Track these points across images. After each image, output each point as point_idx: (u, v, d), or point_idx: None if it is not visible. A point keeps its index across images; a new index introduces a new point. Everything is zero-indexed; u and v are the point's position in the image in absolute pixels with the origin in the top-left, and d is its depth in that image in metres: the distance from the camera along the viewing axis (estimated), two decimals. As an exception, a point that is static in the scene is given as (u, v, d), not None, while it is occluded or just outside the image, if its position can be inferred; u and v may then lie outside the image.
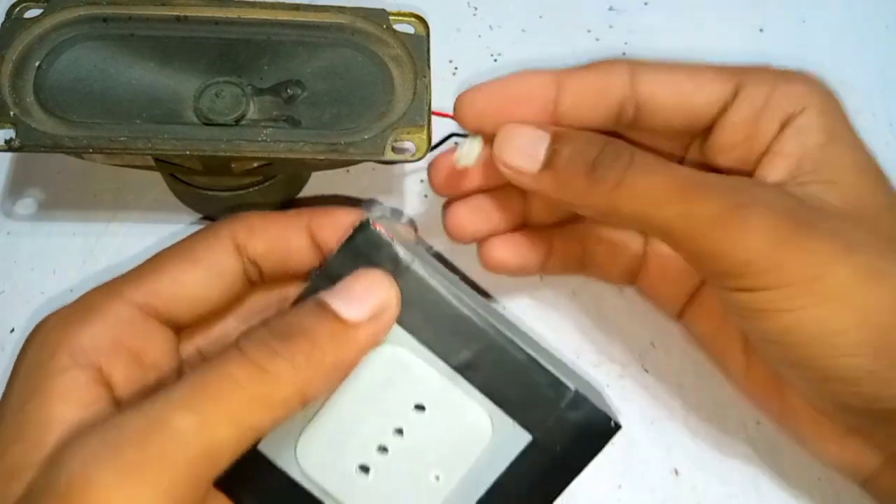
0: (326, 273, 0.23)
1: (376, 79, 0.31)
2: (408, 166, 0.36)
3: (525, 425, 0.24)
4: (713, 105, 0.27)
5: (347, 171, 0.36)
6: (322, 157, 0.29)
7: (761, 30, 0.42)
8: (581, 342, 0.34)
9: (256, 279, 0.26)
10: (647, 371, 0.34)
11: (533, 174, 0.26)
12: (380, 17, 0.32)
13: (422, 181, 0.37)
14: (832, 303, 0.23)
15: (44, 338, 0.23)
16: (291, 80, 0.31)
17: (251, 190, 0.32)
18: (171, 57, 0.30)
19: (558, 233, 0.31)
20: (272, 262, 0.26)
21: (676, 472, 0.32)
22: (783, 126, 0.26)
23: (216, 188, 0.32)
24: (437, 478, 0.25)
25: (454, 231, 0.30)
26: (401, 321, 0.24)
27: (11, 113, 0.28)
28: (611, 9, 0.41)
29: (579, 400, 0.24)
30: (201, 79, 0.30)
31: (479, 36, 0.41)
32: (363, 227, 0.24)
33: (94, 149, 0.28)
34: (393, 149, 0.29)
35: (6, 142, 0.27)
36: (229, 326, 0.27)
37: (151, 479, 0.19)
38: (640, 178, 0.24)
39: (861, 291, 0.24)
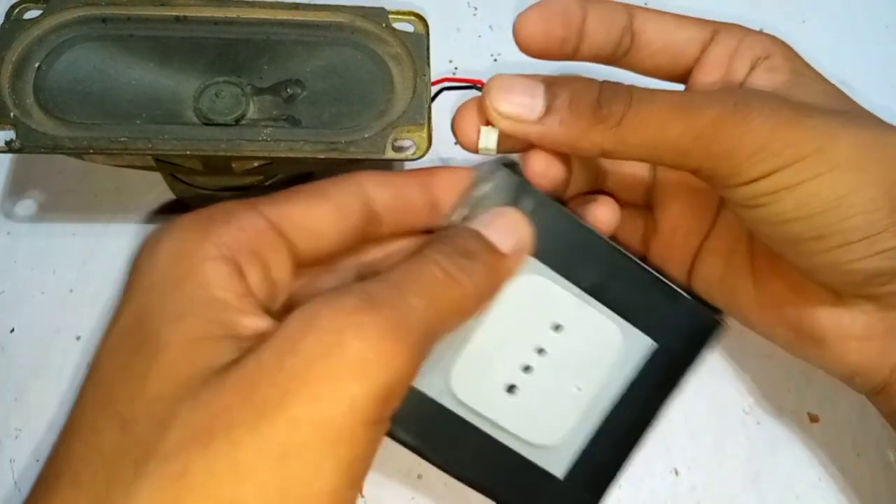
0: (473, 206, 0.27)
1: (376, 77, 0.31)
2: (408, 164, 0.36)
3: (649, 333, 0.28)
4: (693, 43, 0.30)
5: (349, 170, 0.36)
6: (322, 157, 0.28)
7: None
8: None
9: (374, 229, 0.27)
10: (647, 371, 0.34)
11: (534, 121, 0.27)
12: (379, 15, 0.32)
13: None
14: (842, 166, 0.25)
15: (183, 235, 0.24)
16: (291, 80, 0.31)
17: (252, 189, 0.32)
18: (170, 57, 0.30)
19: None
20: (393, 213, 0.27)
21: (676, 472, 0.32)
22: (753, 67, 0.29)
23: (217, 188, 0.32)
24: (579, 388, 0.28)
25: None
26: (535, 251, 0.27)
27: (12, 114, 0.28)
28: (611, 9, 0.41)
29: (693, 306, 0.29)
30: (201, 79, 0.30)
31: (479, 36, 0.41)
32: (500, 168, 0.27)
33: (95, 149, 0.28)
34: (393, 147, 0.29)
35: (7, 143, 0.27)
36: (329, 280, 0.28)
37: (404, 338, 0.21)
38: (642, 108, 0.26)
39: (867, 153, 0.25)
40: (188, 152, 0.28)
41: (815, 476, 0.32)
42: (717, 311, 0.28)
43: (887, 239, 0.25)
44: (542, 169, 0.29)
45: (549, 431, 0.27)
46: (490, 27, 0.41)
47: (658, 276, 0.28)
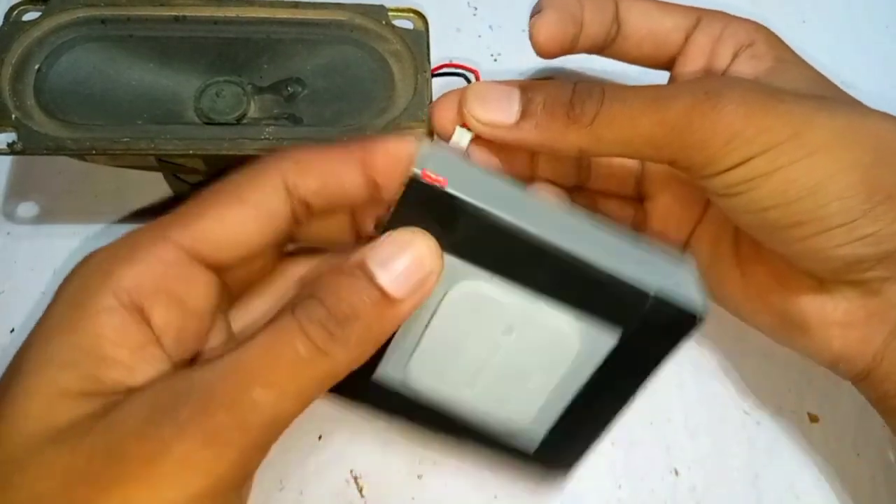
0: (387, 230, 0.24)
1: (376, 75, 0.31)
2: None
3: (609, 329, 0.25)
4: (677, 31, 0.30)
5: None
6: None
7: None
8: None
9: (304, 218, 0.25)
10: (647, 371, 0.34)
11: (510, 125, 0.27)
12: (378, 13, 0.32)
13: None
14: (818, 153, 0.25)
15: (87, 275, 0.23)
16: (291, 78, 0.31)
17: None
18: (170, 57, 0.30)
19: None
20: (324, 199, 0.25)
21: (676, 472, 0.32)
22: (736, 55, 0.30)
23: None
24: (536, 385, 0.27)
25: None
26: (474, 258, 0.24)
27: (13, 116, 0.28)
28: (611, 9, 0.41)
29: (660, 302, 0.24)
30: (201, 78, 0.30)
31: (479, 36, 0.41)
32: (412, 181, 0.23)
33: (97, 150, 0.28)
34: None
35: (8, 145, 0.27)
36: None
37: (236, 441, 0.21)
38: (615, 105, 0.26)
39: (841, 138, 0.25)
40: (191, 152, 0.28)
41: (815, 476, 0.32)
42: (692, 310, 0.24)
43: (865, 225, 0.25)
44: (484, 160, 0.29)
45: (514, 420, 0.28)
46: (490, 27, 0.41)
47: (619, 274, 0.24)
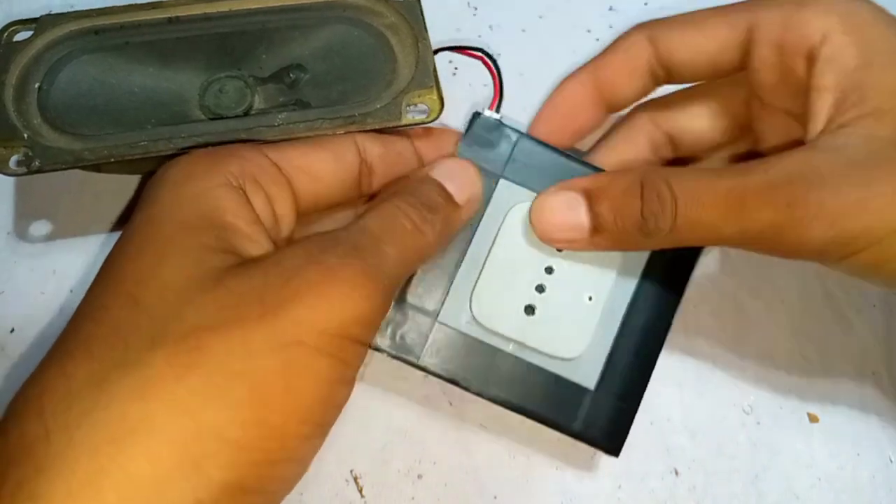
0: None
1: (375, 50, 0.31)
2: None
3: None
4: (730, 51, 0.27)
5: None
6: (342, 131, 0.28)
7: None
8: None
9: (367, 180, 0.29)
10: (647, 371, 0.34)
11: (586, 241, 0.27)
12: None
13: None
14: None
15: (193, 163, 0.26)
16: (292, 65, 0.31)
17: None
18: (168, 59, 0.30)
19: None
20: (385, 164, 0.29)
21: (676, 472, 0.32)
22: (811, 60, 0.25)
23: None
24: (591, 298, 0.30)
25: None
26: (526, 181, 0.30)
27: (25, 135, 0.27)
28: (611, 9, 0.41)
29: None
30: (202, 76, 0.30)
31: (479, 36, 0.41)
32: (477, 115, 0.31)
33: (115, 157, 0.27)
34: (407, 113, 0.29)
35: (26, 165, 0.27)
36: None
37: (381, 281, 0.24)
38: (691, 213, 0.24)
39: None
40: (213, 141, 0.28)
41: (815, 476, 0.32)
42: None
43: None
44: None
45: (572, 343, 0.30)
46: (490, 27, 0.41)
47: None
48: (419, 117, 0.29)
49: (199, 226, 0.24)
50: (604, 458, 0.32)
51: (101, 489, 0.20)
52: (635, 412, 0.29)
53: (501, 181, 0.31)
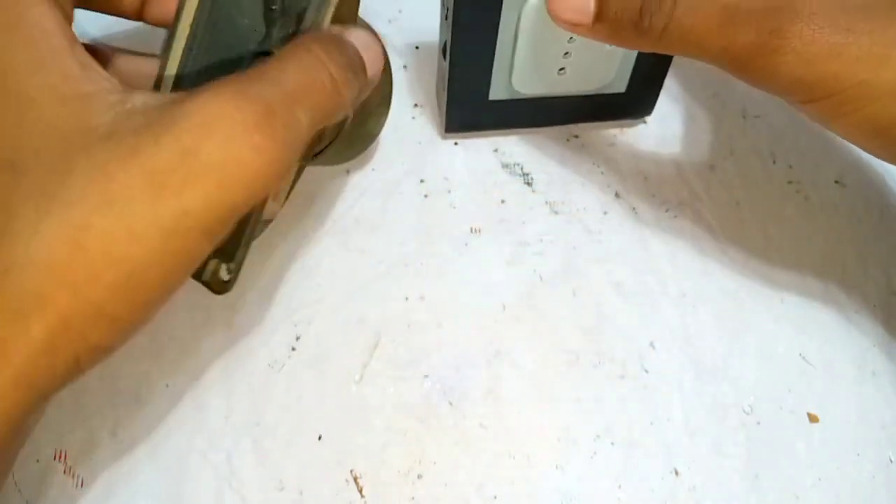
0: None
1: None
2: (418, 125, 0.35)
3: None
4: None
5: (377, 142, 0.36)
6: None
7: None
8: (581, 342, 0.34)
9: None
10: (646, 371, 0.34)
11: (587, 25, 0.29)
12: None
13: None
14: (885, 97, 0.25)
15: None
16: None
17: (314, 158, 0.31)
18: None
19: None
20: None
21: (676, 472, 0.32)
22: None
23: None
24: (612, 46, 0.34)
25: None
26: None
27: None
28: (611, 9, 0.41)
29: None
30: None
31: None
32: None
33: None
34: None
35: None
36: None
37: (288, 150, 0.22)
38: (684, 20, 0.26)
39: None
40: None
41: (815, 476, 0.32)
42: None
43: None
44: None
45: (603, 77, 0.36)
46: (490, 27, 0.41)
47: None
48: None
49: (42, 67, 0.22)
50: (604, 458, 0.32)
51: None
52: (661, 84, 0.38)
53: None
